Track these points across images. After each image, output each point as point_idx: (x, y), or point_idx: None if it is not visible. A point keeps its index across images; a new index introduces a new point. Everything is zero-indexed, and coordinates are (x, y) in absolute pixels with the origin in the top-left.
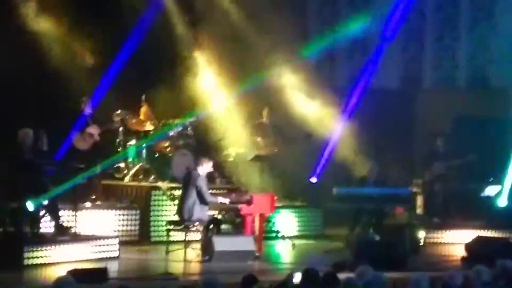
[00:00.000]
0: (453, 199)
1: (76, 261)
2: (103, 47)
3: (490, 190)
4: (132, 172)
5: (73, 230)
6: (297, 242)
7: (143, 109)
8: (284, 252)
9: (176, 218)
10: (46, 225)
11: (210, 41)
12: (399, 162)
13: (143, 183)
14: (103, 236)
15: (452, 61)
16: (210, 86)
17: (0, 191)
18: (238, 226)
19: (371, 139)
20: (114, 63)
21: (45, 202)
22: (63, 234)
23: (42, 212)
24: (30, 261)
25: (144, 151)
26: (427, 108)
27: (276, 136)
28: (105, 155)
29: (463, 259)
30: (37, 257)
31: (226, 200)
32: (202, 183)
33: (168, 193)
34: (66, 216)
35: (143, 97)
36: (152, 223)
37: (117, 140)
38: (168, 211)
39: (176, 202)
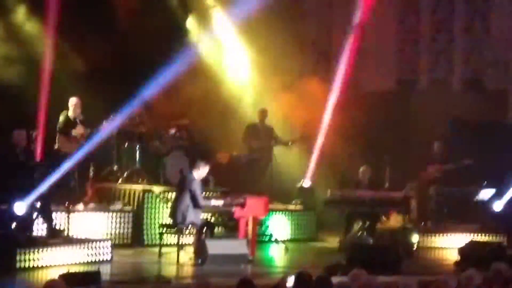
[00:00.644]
0: (447, 203)
1: (68, 264)
2: (95, 49)
3: (484, 194)
4: (125, 174)
5: (65, 233)
6: (290, 245)
7: (137, 111)
8: (277, 255)
9: (169, 221)
10: (39, 228)
11: None
12: (393, 165)
13: (136, 186)
14: (96, 239)
15: (447, 63)
16: (206, 87)
17: None
18: (232, 229)
19: (365, 141)
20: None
21: (38, 205)
22: (55, 237)
23: (34, 215)
24: (23, 264)
25: (137, 154)
26: (422, 110)
27: (269, 138)
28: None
29: (456, 263)
30: (30, 260)
31: (220, 203)
32: (196, 187)
33: (161, 196)
34: (58, 218)
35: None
36: (145, 226)
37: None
38: (161, 214)
39: (169, 205)
